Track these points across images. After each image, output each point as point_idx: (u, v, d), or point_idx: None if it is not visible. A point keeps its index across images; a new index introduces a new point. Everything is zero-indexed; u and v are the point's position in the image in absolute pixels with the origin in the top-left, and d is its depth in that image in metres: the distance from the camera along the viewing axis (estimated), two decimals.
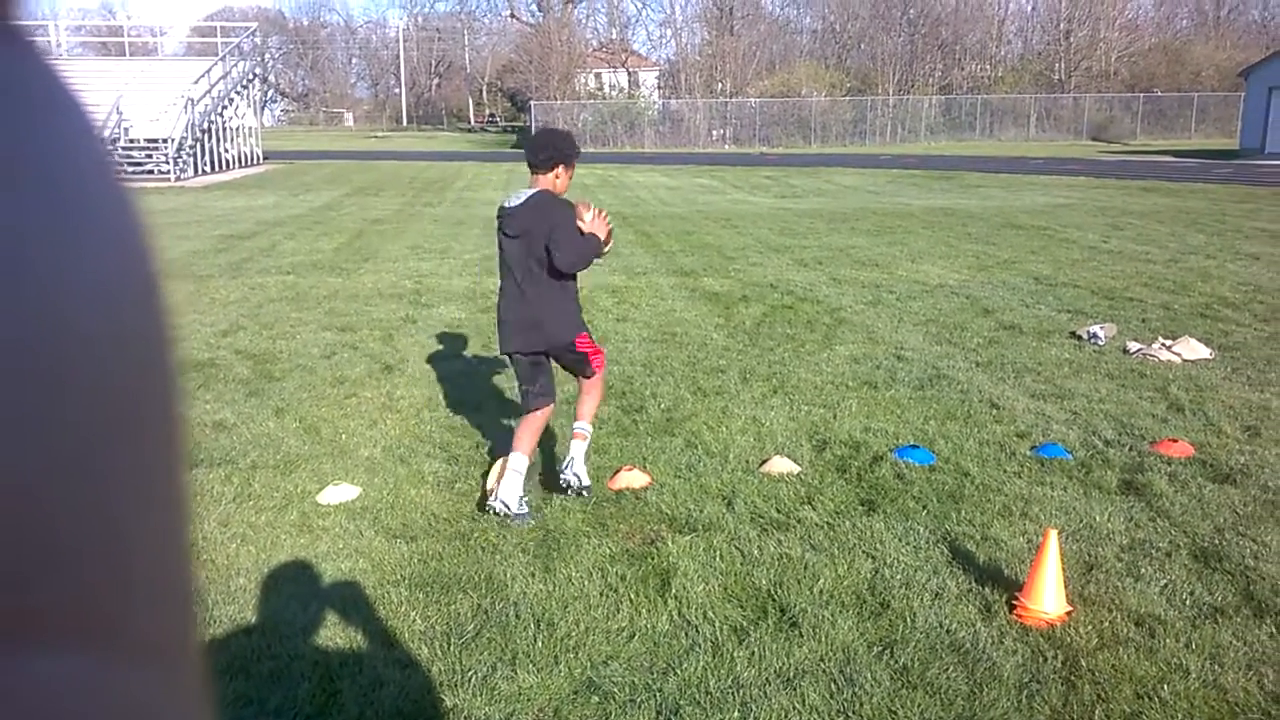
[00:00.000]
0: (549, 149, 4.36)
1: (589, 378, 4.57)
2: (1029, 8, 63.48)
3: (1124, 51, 56.74)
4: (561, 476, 4.56)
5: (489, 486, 4.45)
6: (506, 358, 4.59)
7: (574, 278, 4.45)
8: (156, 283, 0.28)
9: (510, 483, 4.29)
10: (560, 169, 4.36)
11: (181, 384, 0.29)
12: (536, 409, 4.46)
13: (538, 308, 4.36)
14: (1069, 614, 3.47)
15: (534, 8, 65.62)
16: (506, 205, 4.40)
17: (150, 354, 0.27)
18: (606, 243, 4.47)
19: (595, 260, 4.51)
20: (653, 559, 3.95)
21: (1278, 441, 5.28)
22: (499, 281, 4.53)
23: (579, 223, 4.36)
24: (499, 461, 4.51)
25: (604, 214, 4.49)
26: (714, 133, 49.56)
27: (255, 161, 31.75)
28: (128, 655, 0.25)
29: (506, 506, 4.27)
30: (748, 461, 5.04)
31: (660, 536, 4.17)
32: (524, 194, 4.37)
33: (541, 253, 4.29)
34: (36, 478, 0.23)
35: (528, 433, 4.44)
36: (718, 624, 3.46)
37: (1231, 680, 3.11)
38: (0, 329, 0.22)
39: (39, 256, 0.23)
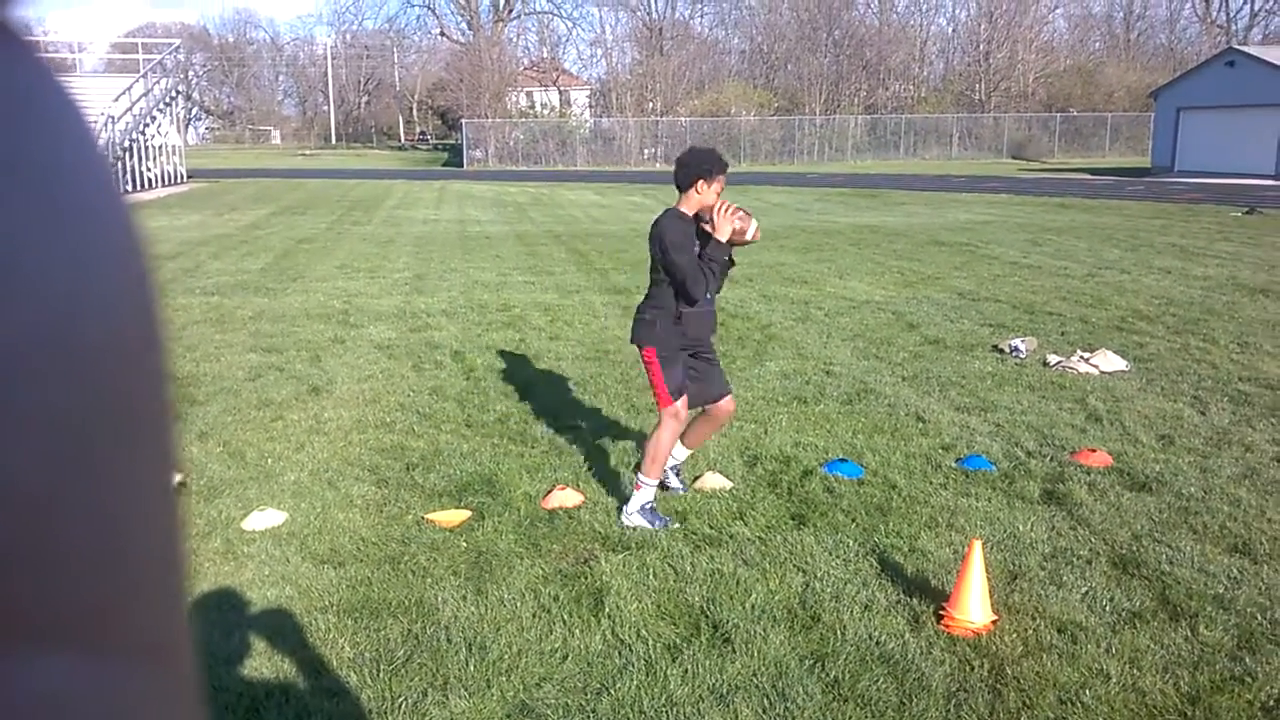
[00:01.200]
0: (680, 170, 4.57)
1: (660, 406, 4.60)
2: (950, 30, 65.30)
3: (1041, 73, 58.54)
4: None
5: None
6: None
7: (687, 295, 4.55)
8: (151, 286, 0.28)
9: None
10: (700, 183, 4.49)
11: (174, 387, 0.29)
12: (702, 405, 4.73)
13: (640, 308, 4.67)
14: (994, 623, 3.54)
15: (464, 26, 65.52)
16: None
17: (145, 357, 0.27)
18: (741, 236, 4.54)
19: (736, 248, 4.64)
20: (586, 578, 3.94)
21: (1190, 450, 5.47)
22: None
23: (704, 227, 4.50)
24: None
25: (727, 209, 4.49)
26: (645, 151, 49.87)
27: (179, 180, 31.06)
28: (123, 656, 0.26)
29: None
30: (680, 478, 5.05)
31: (594, 555, 4.16)
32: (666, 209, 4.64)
33: (654, 262, 4.55)
34: (32, 479, 0.23)
35: (692, 429, 4.78)
36: (651, 642, 3.46)
37: (1150, 683, 3.21)
38: None
39: (35, 259, 0.23)
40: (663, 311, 4.51)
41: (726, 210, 4.46)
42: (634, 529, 4.41)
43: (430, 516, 4.55)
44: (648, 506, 4.49)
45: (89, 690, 0.24)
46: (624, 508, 4.53)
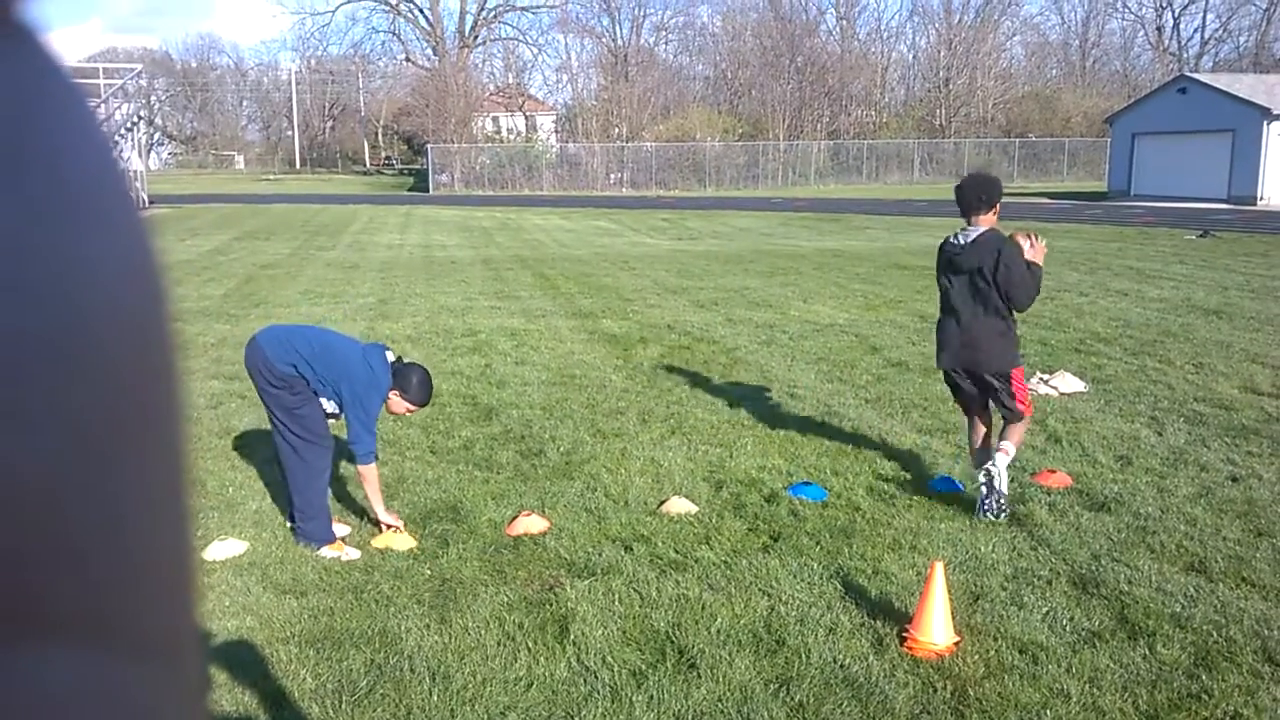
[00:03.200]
0: (987, 193, 4.87)
1: (1012, 420, 4.94)
2: (910, 57, 66.32)
3: (999, 99, 59.55)
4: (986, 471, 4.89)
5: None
6: (944, 374, 5.16)
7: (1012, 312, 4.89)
8: (160, 276, 0.28)
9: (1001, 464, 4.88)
10: (997, 207, 4.91)
11: (184, 376, 0.29)
12: (980, 421, 5.12)
13: (978, 334, 4.90)
14: (957, 644, 3.57)
15: (429, 52, 65.54)
16: (954, 242, 4.93)
17: (155, 347, 0.27)
18: (1036, 259, 4.90)
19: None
20: (551, 605, 3.92)
21: (1148, 470, 5.55)
22: (940, 310, 5.06)
23: (1025, 254, 4.83)
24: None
25: (1038, 239, 4.90)
26: (611, 176, 50.04)
27: (140, 206, 30.66)
28: (131, 651, 0.26)
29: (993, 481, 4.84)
30: (646, 503, 5.06)
31: (559, 582, 4.14)
32: (971, 232, 4.87)
33: (989, 284, 4.79)
34: (43, 469, 0.23)
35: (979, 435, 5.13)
36: (616, 669, 3.45)
37: (1109, 702, 3.24)
38: (8, 320, 0.23)
39: (46, 248, 0.24)
40: (1009, 331, 4.90)
41: (1039, 243, 4.87)
42: (999, 474, 4.84)
43: (375, 542, 4.52)
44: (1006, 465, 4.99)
45: (96, 686, 0.24)
46: (995, 461, 4.88)
